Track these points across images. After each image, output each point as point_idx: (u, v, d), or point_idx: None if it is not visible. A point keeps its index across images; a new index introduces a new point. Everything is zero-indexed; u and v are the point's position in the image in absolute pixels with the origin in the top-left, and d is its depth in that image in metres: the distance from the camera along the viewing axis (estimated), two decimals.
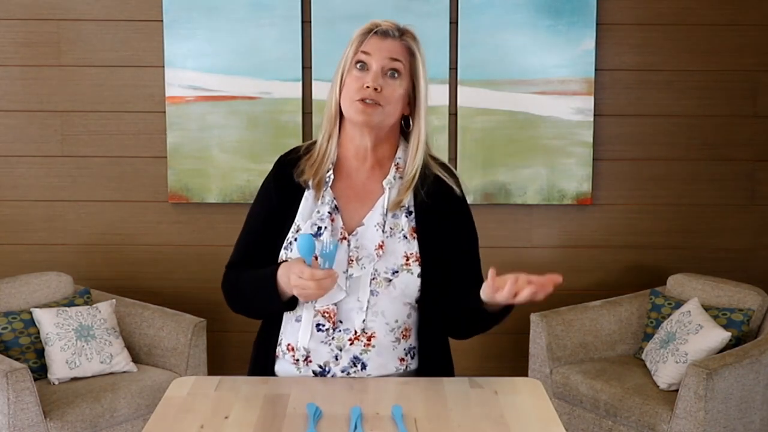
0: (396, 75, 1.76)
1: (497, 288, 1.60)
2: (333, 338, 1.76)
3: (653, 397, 3.06)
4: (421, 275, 1.76)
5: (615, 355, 3.51)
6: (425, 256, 1.77)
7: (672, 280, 3.58)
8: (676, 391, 3.05)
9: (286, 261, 1.75)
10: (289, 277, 1.66)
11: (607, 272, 3.88)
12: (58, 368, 3.14)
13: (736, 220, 3.85)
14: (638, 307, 3.56)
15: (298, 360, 1.77)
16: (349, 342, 1.76)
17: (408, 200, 1.81)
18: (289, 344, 1.80)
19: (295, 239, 1.77)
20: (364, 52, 1.76)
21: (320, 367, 1.77)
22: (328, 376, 1.76)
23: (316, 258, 1.64)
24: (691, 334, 3.14)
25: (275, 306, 1.77)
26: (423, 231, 1.79)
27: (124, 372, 3.26)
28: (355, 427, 1.53)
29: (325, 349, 1.76)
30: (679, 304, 3.41)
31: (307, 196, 1.81)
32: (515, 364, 3.80)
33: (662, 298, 3.50)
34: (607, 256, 3.87)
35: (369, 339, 1.76)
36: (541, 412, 1.63)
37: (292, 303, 1.77)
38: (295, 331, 1.78)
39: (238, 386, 1.74)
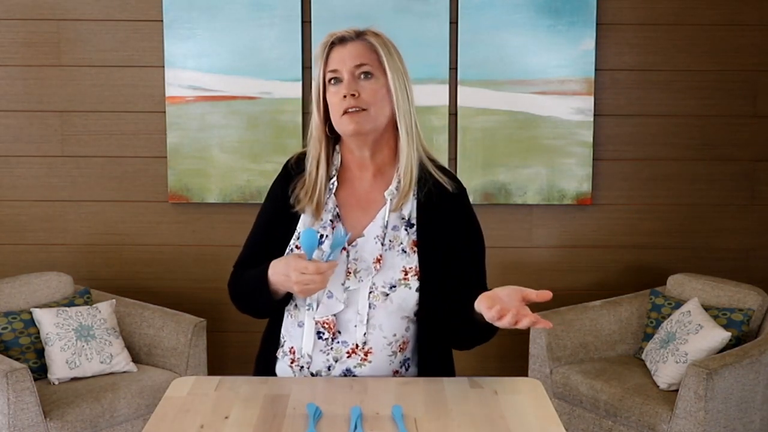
0: (369, 76, 1.74)
1: (499, 317, 1.49)
2: (332, 348, 1.76)
3: (653, 397, 3.06)
4: (420, 290, 1.74)
5: (615, 355, 3.51)
6: (425, 271, 1.74)
7: (672, 280, 3.58)
8: (676, 391, 3.05)
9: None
10: (288, 275, 1.66)
11: (607, 272, 3.88)
12: (58, 368, 3.14)
13: (736, 220, 3.85)
14: (638, 307, 3.56)
15: (301, 367, 1.77)
16: (347, 354, 1.75)
17: (409, 211, 1.79)
18: (292, 347, 1.80)
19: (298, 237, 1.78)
20: (333, 70, 1.74)
21: (312, 375, 1.78)
22: None
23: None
24: (691, 334, 3.14)
25: (270, 305, 1.79)
26: (424, 245, 1.76)
27: (124, 372, 3.26)
28: (355, 427, 1.53)
29: (322, 358, 1.76)
30: (679, 304, 3.41)
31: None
32: (515, 364, 3.80)
33: (662, 298, 3.50)
34: (607, 256, 3.87)
35: (366, 354, 1.75)
36: (541, 412, 1.63)
37: (285, 301, 1.79)
38: (299, 336, 1.78)
39: (238, 386, 1.74)
